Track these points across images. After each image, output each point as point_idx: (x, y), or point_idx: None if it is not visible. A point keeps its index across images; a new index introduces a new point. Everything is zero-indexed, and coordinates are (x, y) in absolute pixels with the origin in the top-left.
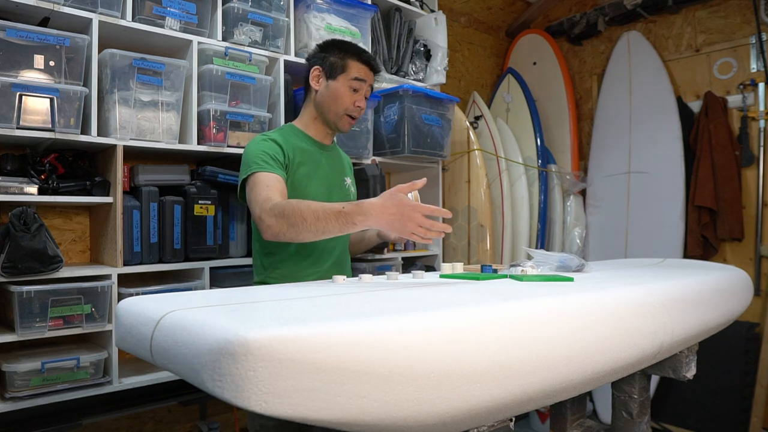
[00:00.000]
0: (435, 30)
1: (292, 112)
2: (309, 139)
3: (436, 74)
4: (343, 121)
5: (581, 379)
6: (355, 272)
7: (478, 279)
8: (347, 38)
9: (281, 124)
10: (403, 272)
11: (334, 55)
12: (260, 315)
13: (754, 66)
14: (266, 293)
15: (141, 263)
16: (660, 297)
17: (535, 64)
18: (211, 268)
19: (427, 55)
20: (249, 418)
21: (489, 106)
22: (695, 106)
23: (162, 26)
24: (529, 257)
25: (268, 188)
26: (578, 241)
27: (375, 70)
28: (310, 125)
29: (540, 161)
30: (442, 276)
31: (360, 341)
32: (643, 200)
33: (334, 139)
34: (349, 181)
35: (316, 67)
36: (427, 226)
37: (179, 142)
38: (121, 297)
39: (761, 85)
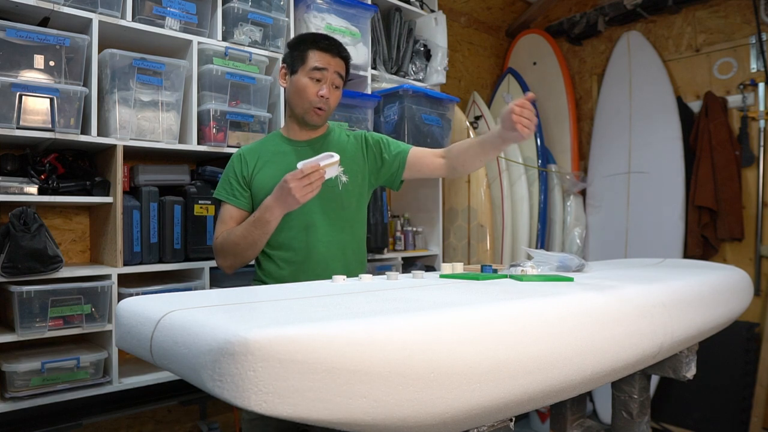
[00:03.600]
0: (435, 30)
1: None
2: (283, 140)
3: (436, 74)
4: (311, 114)
5: (581, 379)
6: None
7: (478, 279)
8: (347, 38)
9: (281, 124)
10: (403, 272)
11: (295, 49)
12: (260, 315)
13: (754, 66)
14: (266, 293)
15: (141, 263)
16: (660, 297)
17: (535, 64)
18: (211, 268)
19: (427, 55)
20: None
21: (489, 106)
22: (695, 106)
23: (162, 26)
24: (529, 257)
25: (221, 224)
26: (578, 241)
27: (339, 55)
28: (288, 124)
29: (540, 161)
30: (442, 276)
31: (360, 341)
32: (643, 200)
33: (332, 128)
34: (340, 169)
35: (282, 65)
36: (306, 183)
37: (179, 142)
38: (121, 297)
39: (761, 85)
